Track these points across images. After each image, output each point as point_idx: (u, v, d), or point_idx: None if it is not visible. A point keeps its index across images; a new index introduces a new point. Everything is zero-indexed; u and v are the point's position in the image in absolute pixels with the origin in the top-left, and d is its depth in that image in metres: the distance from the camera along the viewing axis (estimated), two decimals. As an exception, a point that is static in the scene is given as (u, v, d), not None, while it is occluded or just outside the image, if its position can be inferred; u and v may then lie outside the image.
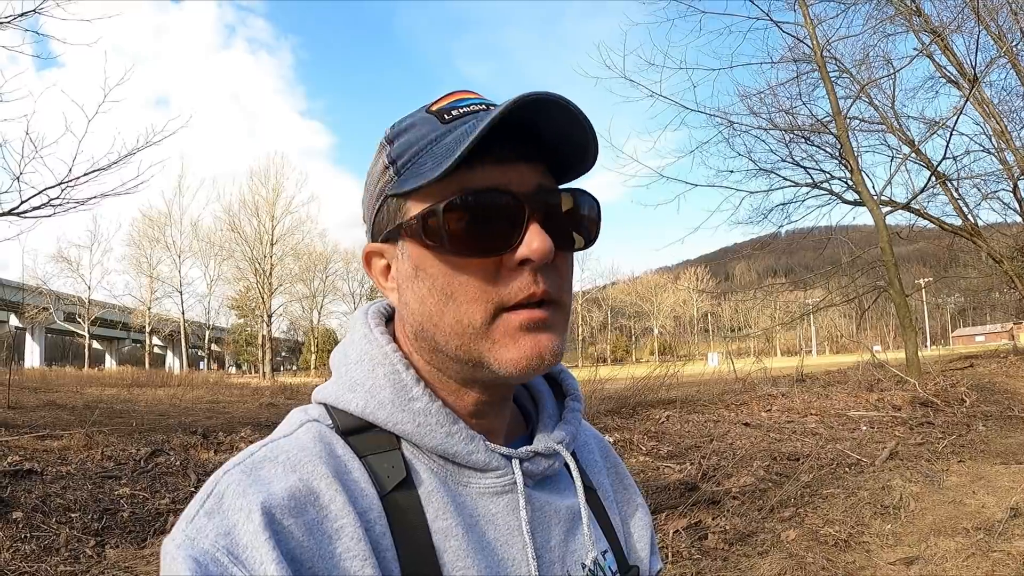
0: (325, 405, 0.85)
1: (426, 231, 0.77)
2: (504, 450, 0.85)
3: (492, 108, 0.80)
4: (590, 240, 0.84)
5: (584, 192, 0.83)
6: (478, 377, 0.82)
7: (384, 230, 0.84)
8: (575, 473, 0.90)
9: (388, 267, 0.86)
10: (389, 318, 0.94)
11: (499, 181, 0.76)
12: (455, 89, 0.86)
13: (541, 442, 0.89)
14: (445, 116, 0.79)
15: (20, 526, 5.14)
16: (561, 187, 0.83)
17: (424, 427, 0.80)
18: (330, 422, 0.82)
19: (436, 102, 0.83)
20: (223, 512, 0.68)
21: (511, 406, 0.93)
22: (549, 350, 0.78)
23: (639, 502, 1.08)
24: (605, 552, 0.92)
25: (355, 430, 0.81)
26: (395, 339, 0.88)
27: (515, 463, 0.85)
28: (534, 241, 0.75)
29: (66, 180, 9.00)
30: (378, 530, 0.73)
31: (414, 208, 0.79)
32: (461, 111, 0.80)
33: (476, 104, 0.81)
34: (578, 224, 0.82)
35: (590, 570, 0.87)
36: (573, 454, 0.96)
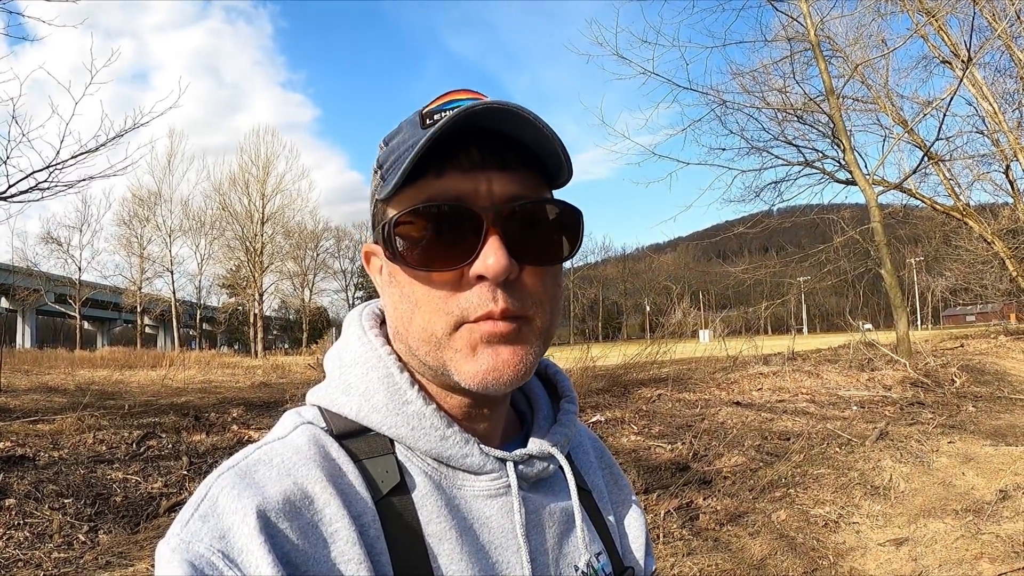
0: (319, 407, 0.85)
1: (386, 242, 0.78)
2: (499, 453, 0.84)
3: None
4: (569, 252, 0.83)
5: (564, 203, 0.82)
6: (452, 383, 0.81)
7: (375, 231, 0.85)
8: (569, 475, 0.89)
9: (382, 267, 0.86)
10: (384, 320, 0.93)
11: (464, 190, 0.76)
12: (454, 88, 0.84)
13: (536, 445, 0.89)
14: (427, 120, 0.78)
15: (13, 513, 5.14)
16: (545, 197, 0.82)
17: (419, 431, 0.80)
18: (324, 425, 0.81)
19: (430, 103, 0.82)
20: (218, 515, 0.67)
21: (506, 411, 0.92)
22: (510, 366, 0.76)
23: (633, 502, 1.08)
24: (599, 554, 0.92)
25: (350, 434, 0.81)
26: (389, 341, 0.88)
27: (510, 466, 0.84)
28: (489, 257, 0.74)
29: (54, 163, 8.90)
30: (372, 534, 0.73)
31: (389, 215, 0.79)
32: (444, 115, 0.77)
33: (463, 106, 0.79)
34: (555, 236, 0.81)
35: (584, 572, 0.87)
36: (568, 456, 0.95)
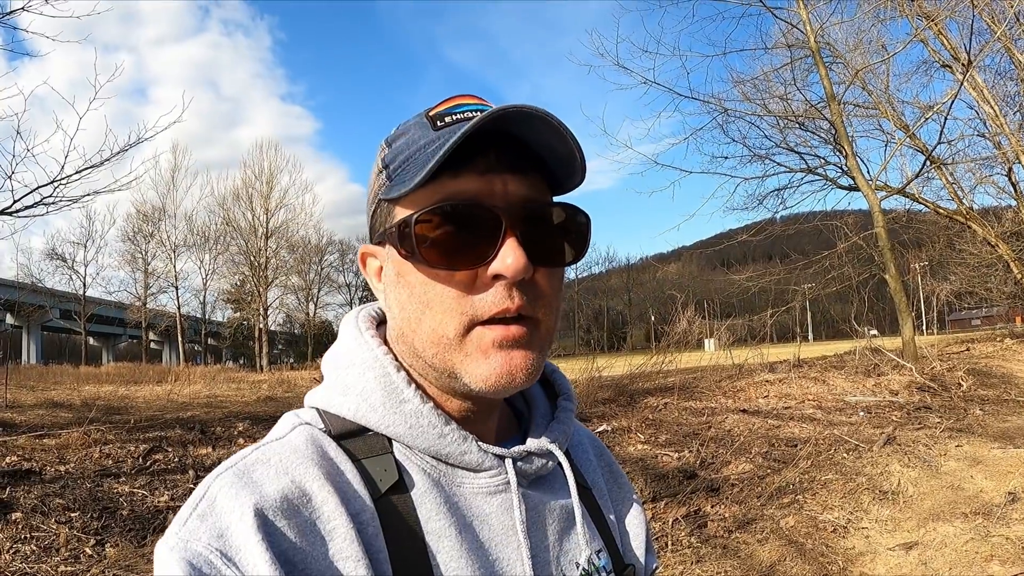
0: (317, 409, 0.85)
1: (401, 240, 0.78)
2: (497, 450, 0.84)
3: (457, 119, 0.81)
4: (577, 256, 0.84)
5: (574, 207, 0.83)
6: (456, 387, 0.81)
7: (377, 232, 0.85)
8: (569, 472, 0.90)
9: (381, 268, 0.87)
10: (381, 321, 0.94)
11: (481, 191, 0.76)
12: (457, 93, 0.85)
13: (534, 442, 0.89)
14: (438, 122, 0.80)
15: (20, 527, 5.13)
16: (554, 200, 0.83)
17: (416, 429, 0.80)
18: (322, 426, 0.81)
19: (436, 106, 0.83)
20: (216, 514, 0.68)
21: (500, 411, 0.93)
22: (522, 369, 0.77)
23: (634, 500, 1.08)
24: (600, 551, 0.92)
25: (348, 434, 0.81)
26: (387, 342, 0.88)
27: (508, 463, 0.84)
28: (508, 257, 0.75)
29: (58, 178, 8.95)
30: (371, 532, 0.73)
31: (399, 214, 0.80)
32: (455, 117, 0.80)
33: (472, 110, 0.81)
34: (565, 239, 0.83)
35: (584, 569, 0.87)
36: (567, 454, 0.95)
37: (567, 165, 0.80)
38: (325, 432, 0.81)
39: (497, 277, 0.76)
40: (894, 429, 8.79)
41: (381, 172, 0.83)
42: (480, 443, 0.83)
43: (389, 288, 0.84)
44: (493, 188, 0.77)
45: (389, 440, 0.81)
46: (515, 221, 0.76)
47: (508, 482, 0.84)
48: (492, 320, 0.76)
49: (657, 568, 1.07)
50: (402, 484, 0.78)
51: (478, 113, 0.79)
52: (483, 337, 0.77)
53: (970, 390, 12.19)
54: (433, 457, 0.82)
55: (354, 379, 0.83)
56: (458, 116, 0.80)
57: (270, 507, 0.69)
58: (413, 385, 0.82)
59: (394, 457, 0.80)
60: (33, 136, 9.93)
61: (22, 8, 8.60)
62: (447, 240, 0.76)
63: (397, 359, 0.85)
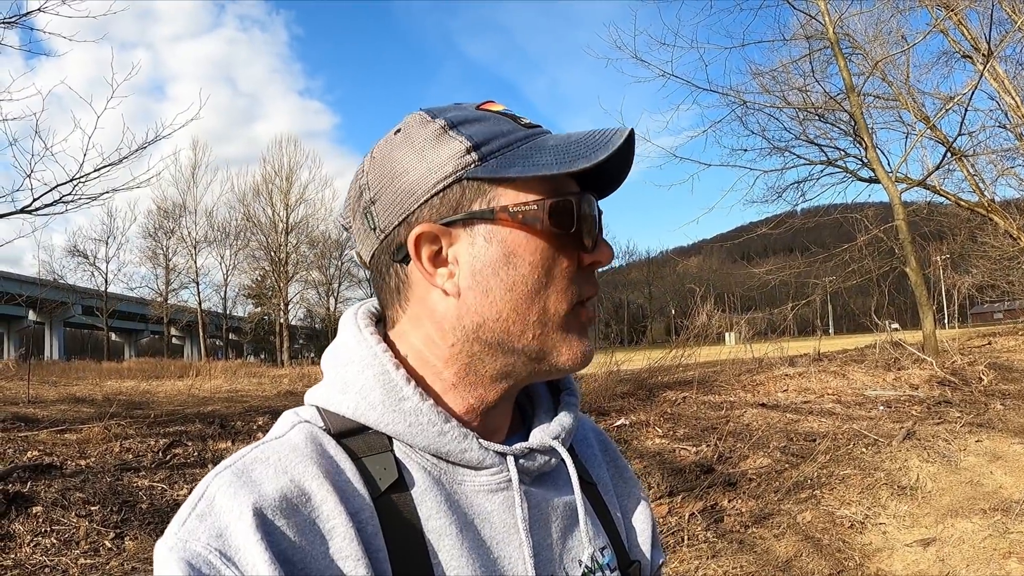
0: (317, 407, 0.85)
1: (554, 217, 0.81)
2: (498, 447, 0.84)
3: (530, 124, 0.86)
4: None
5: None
6: (524, 371, 0.85)
7: (451, 212, 0.81)
8: (571, 468, 0.89)
9: (438, 252, 0.82)
10: (379, 319, 0.93)
11: (580, 189, 0.84)
12: (486, 99, 0.89)
13: (537, 438, 0.89)
14: (520, 120, 0.85)
15: (40, 520, 5.20)
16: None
17: (415, 427, 0.80)
18: (322, 424, 0.81)
19: (485, 104, 0.87)
20: (215, 514, 0.68)
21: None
22: (592, 349, 0.86)
23: (640, 495, 1.07)
24: (604, 548, 0.91)
25: (348, 432, 0.81)
26: (386, 339, 0.88)
27: (510, 460, 0.84)
28: (605, 249, 0.85)
29: (77, 176, 9.02)
30: (370, 531, 0.73)
31: (512, 195, 0.81)
32: (527, 121, 0.86)
33: (525, 117, 0.88)
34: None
35: (587, 567, 0.87)
36: (571, 449, 0.96)
37: (614, 183, 0.90)
38: (325, 430, 0.80)
39: (593, 264, 0.85)
40: (914, 424, 8.71)
41: (470, 151, 0.80)
42: (481, 440, 0.83)
43: (486, 271, 0.81)
44: (583, 187, 0.85)
45: (389, 438, 0.81)
46: (600, 217, 0.87)
47: (510, 480, 0.83)
48: (584, 302, 0.84)
49: (664, 563, 1.07)
50: (402, 482, 0.78)
51: (524, 119, 0.87)
52: (581, 316, 0.84)
53: (991, 384, 12.05)
54: (433, 455, 0.81)
55: (353, 376, 0.83)
56: (526, 120, 0.86)
57: (269, 506, 0.69)
58: (412, 383, 0.81)
59: (394, 455, 0.80)
60: (52, 135, 10.07)
61: (39, 9, 8.67)
62: (582, 226, 0.82)
63: (396, 356, 0.84)
